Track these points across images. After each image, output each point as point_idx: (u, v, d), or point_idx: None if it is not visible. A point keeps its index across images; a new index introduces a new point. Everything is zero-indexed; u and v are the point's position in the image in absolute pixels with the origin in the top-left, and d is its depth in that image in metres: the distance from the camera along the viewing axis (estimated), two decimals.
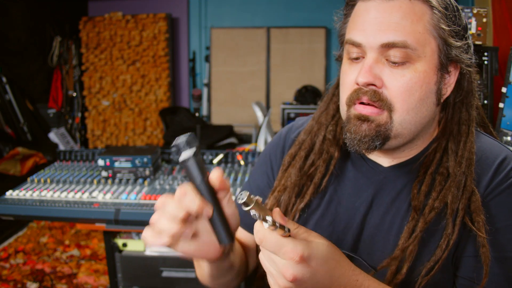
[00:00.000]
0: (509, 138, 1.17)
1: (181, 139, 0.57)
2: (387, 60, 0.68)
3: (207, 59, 4.89)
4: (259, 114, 3.31)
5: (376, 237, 0.77)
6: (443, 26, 0.69)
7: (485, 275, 0.66)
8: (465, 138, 0.73)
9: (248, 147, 2.40)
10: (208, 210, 0.58)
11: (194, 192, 0.58)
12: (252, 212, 0.55)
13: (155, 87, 4.76)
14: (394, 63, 0.68)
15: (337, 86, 0.82)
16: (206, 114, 4.85)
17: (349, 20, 0.74)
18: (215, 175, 0.59)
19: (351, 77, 0.71)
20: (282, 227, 0.57)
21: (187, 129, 4.06)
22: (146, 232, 0.59)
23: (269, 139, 2.69)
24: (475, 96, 0.77)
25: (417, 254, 0.70)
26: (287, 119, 4.20)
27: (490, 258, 0.66)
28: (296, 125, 0.94)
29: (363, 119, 0.70)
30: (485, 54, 1.48)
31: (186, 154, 0.57)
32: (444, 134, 0.75)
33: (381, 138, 0.70)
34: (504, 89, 1.22)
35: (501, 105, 1.22)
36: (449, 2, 0.71)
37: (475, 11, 1.43)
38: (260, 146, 2.43)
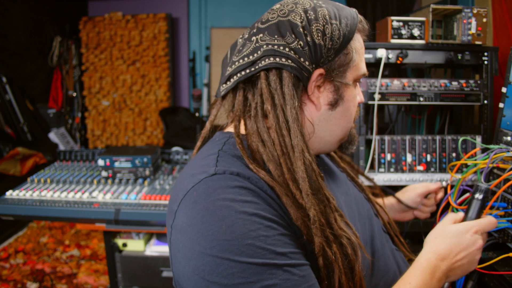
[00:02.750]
0: (509, 138, 1.17)
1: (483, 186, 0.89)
2: None
3: (207, 59, 4.89)
4: None
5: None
6: None
7: None
8: None
9: None
10: None
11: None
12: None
13: (155, 87, 4.76)
14: None
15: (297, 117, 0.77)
16: (206, 114, 4.85)
17: (357, 54, 0.80)
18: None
19: (358, 99, 0.86)
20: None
21: (187, 129, 4.06)
22: None
23: None
24: None
25: None
26: None
27: None
28: (243, 176, 0.67)
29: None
30: (485, 54, 1.48)
31: (480, 194, 0.88)
32: None
33: None
34: (504, 89, 1.22)
35: (501, 105, 1.22)
36: None
37: (475, 11, 1.42)
38: None
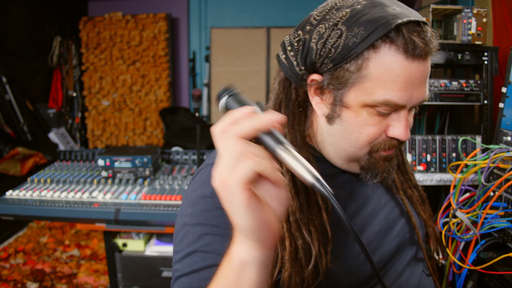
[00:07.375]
0: (509, 138, 1.17)
1: (221, 90, 0.57)
2: None
3: (207, 59, 4.89)
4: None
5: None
6: None
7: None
8: None
9: None
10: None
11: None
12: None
13: (155, 87, 4.76)
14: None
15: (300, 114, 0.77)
16: (206, 114, 4.85)
17: (374, 71, 0.65)
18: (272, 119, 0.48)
19: (378, 129, 0.70)
20: None
21: (187, 129, 4.06)
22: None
23: None
24: None
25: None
26: None
27: None
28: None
29: (389, 159, 0.75)
30: (485, 54, 1.48)
31: (224, 98, 0.56)
32: None
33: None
34: (504, 89, 1.22)
35: (501, 105, 1.22)
36: None
37: (475, 11, 1.42)
38: None
